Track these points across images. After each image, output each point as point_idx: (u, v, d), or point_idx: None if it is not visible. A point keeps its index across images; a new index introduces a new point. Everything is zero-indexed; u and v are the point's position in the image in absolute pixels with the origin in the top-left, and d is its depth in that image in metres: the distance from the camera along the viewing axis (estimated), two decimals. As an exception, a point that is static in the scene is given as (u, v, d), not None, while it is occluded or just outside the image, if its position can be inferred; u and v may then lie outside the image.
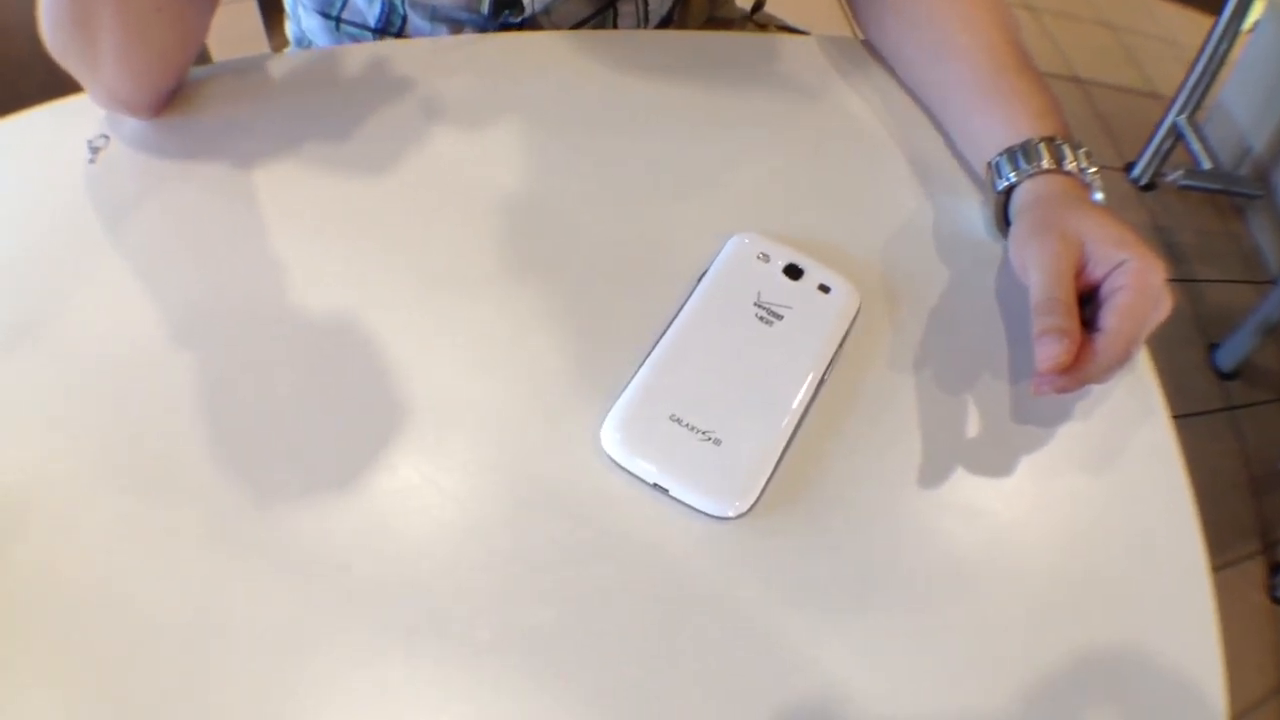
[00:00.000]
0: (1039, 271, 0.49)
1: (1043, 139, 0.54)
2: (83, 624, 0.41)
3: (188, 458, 0.45)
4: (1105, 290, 0.48)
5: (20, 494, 0.44)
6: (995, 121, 0.56)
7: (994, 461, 0.48)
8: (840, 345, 0.49)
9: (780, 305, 0.50)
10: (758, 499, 0.44)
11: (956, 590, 0.44)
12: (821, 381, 0.48)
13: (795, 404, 0.47)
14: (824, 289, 0.51)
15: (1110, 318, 0.47)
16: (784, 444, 0.46)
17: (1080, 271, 0.49)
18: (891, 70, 0.64)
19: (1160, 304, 0.48)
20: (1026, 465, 0.48)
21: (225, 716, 0.39)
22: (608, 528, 0.45)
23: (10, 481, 0.44)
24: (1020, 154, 0.54)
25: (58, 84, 0.53)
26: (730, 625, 0.42)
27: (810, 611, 0.43)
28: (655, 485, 0.45)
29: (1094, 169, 0.54)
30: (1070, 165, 0.53)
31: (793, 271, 0.51)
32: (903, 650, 0.43)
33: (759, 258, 0.52)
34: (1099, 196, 0.54)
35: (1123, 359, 0.47)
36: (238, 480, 0.44)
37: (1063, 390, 0.47)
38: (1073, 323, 0.47)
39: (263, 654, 0.40)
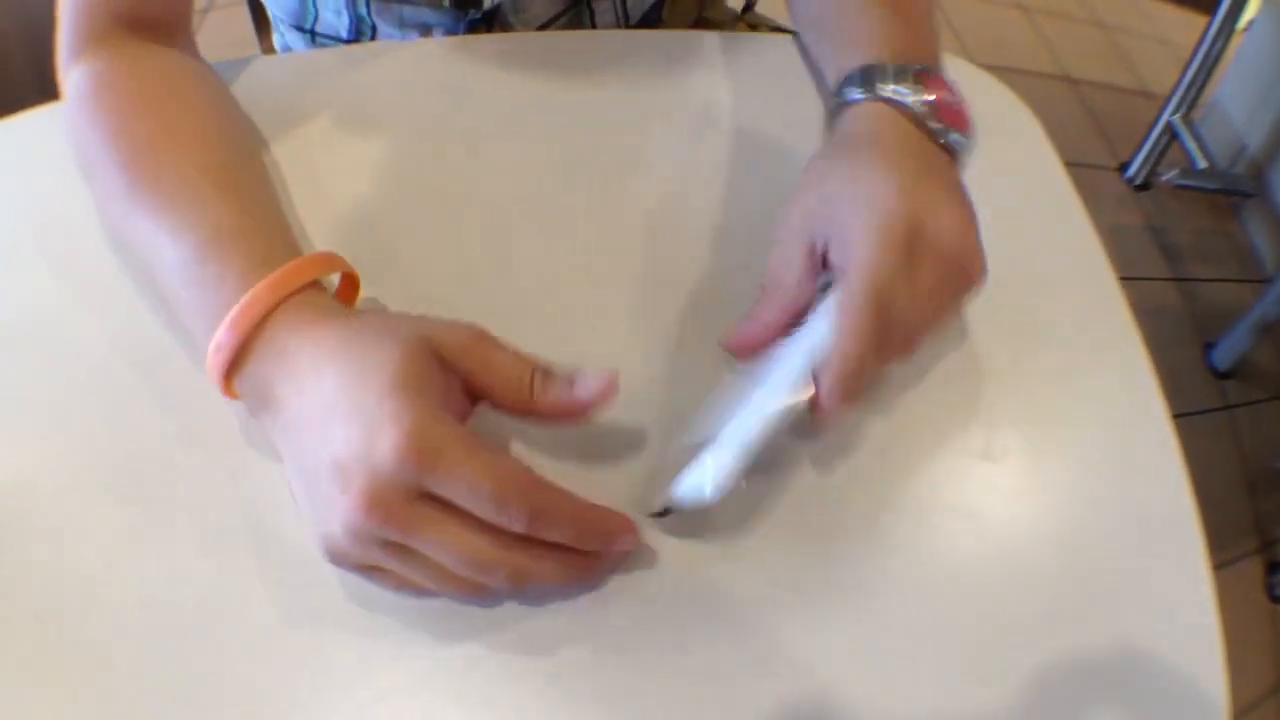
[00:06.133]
0: (775, 248, 0.44)
1: (861, 67, 0.45)
2: (74, 626, 0.40)
3: (179, 463, 0.45)
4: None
5: (12, 497, 0.43)
6: (827, 56, 0.50)
7: (992, 461, 0.48)
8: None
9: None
10: (739, 484, 0.42)
11: (955, 591, 0.44)
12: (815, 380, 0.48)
13: (786, 403, 0.46)
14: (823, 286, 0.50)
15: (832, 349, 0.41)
16: (770, 435, 0.43)
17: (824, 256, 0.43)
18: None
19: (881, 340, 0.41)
20: (1025, 464, 0.48)
21: (216, 723, 0.39)
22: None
23: (3, 483, 0.44)
24: (850, 86, 0.45)
25: (51, 86, 0.53)
26: (723, 629, 0.42)
27: (805, 615, 0.43)
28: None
29: (927, 95, 0.42)
30: (887, 91, 0.43)
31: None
32: (901, 652, 0.42)
33: None
34: (937, 126, 0.44)
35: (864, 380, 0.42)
36: (227, 487, 0.44)
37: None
38: (781, 316, 0.43)
39: (251, 661, 0.40)
